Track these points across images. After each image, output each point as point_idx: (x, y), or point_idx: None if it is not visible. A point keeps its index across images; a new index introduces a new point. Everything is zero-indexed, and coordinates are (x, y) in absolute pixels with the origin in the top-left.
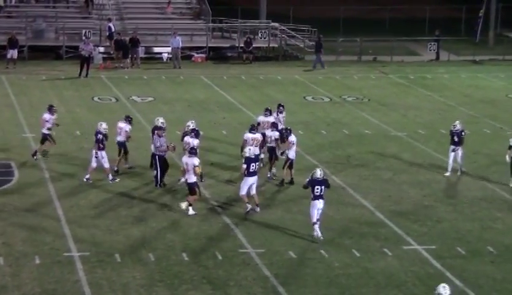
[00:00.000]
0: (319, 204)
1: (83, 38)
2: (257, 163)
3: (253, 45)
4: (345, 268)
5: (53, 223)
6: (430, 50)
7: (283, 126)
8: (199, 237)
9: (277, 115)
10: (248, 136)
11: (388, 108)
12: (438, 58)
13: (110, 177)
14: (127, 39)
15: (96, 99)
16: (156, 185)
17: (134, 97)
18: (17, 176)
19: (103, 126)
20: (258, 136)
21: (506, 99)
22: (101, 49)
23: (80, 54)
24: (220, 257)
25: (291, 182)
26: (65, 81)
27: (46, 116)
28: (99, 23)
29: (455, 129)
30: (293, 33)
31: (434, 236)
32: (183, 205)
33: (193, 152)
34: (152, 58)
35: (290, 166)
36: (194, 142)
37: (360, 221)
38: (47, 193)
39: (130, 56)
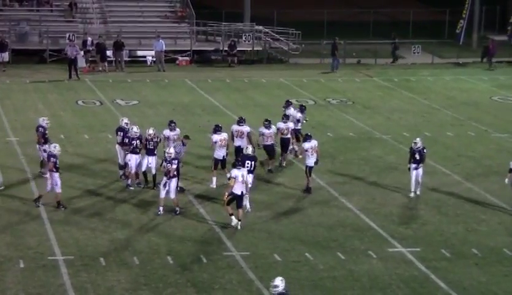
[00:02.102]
0: (249, 178)
1: (67, 41)
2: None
3: (238, 48)
4: (330, 270)
5: (37, 227)
6: (414, 53)
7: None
8: (184, 240)
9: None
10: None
11: (373, 111)
12: (394, 60)
13: (129, 181)
14: (106, 42)
15: (80, 102)
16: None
17: (118, 100)
18: (1, 179)
19: (134, 130)
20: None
21: (490, 101)
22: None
23: (66, 56)
24: (204, 261)
25: (306, 189)
26: (49, 84)
27: (166, 132)
28: (82, 26)
29: (416, 146)
30: (277, 36)
31: (419, 239)
32: (234, 222)
33: (240, 163)
34: (136, 61)
35: (307, 172)
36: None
37: (345, 224)
38: (31, 197)
39: (114, 59)
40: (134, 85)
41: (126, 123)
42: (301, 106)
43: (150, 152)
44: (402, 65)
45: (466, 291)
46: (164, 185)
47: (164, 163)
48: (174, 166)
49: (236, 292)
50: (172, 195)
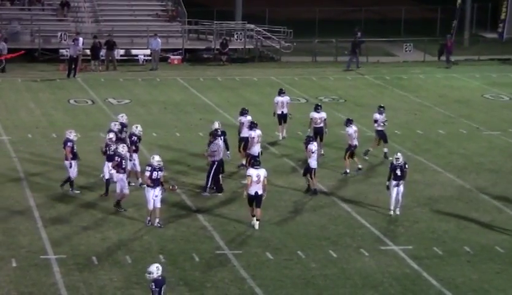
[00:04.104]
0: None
1: (60, 40)
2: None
3: (229, 47)
4: (322, 268)
5: (29, 226)
6: (406, 51)
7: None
8: (176, 239)
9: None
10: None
11: (365, 109)
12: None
13: (140, 181)
14: (99, 41)
15: (72, 101)
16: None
17: (110, 99)
18: None
19: (138, 129)
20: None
21: (482, 99)
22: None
23: (69, 54)
24: (197, 259)
25: (311, 191)
26: (41, 83)
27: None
28: (74, 25)
29: (398, 162)
30: (268, 34)
31: (411, 237)
32: (257, 225)
33: (258, 162)
34: (128, 60)
35: (313, 174)
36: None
37: (337, 222)
38: (24, 196)
39: (105, 58)
40: (126, 84)
41: (126, 120)
42: (380, 106)
43: (110, 158)
44: (394, 63)
45: (458, 288)
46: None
47: (148, 172)
48: (161, 173)
49: (228, 290)
50: (158, 204)
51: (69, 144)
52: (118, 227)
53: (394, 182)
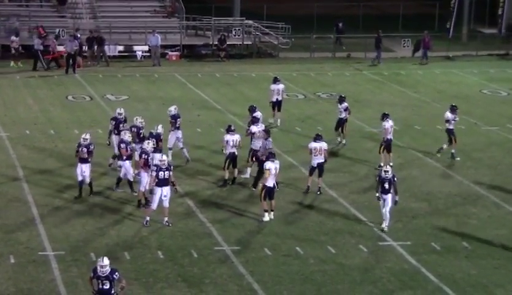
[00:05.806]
0: (178, 133)
1: (55, 36)
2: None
3: (227, 43)
4: (320, 264)
5: (27, 222)
6: (404, 46)
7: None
8: (175, 235)
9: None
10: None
11: (363, 104)
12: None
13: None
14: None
15: (70, 97)
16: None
17: (108, 95)
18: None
19: (160, 128)
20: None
21: (480, 94)
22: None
23: (67, 51)
24: (195, 255)
25: (319, 191)
26: (39, 80)
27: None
28: (72, 21)
29: (386, 175)
30: (267, 30)
31: (409, 232)
32: (266, 219)
33: (273, 155)
34: (127, 56)
35: (319, 174)
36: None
37: (335, 218)
38: (22, 192)
39: (95, 54)
40: (124, 80)
41: (141, 122)
42: (452, 106)
43: (83, 160)
44: (392, 58)
45: (456, 283)
46: (161, 194)
47: (154, 172)
48: (171, 173)
49: (226, 286)
50: (167, 204)
51: (121, 145)
52: (117, 224)
53: (383, 196)
